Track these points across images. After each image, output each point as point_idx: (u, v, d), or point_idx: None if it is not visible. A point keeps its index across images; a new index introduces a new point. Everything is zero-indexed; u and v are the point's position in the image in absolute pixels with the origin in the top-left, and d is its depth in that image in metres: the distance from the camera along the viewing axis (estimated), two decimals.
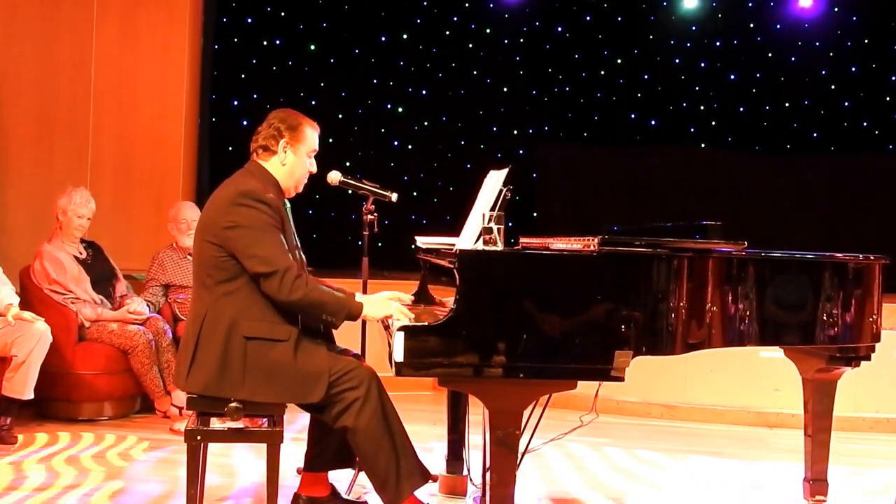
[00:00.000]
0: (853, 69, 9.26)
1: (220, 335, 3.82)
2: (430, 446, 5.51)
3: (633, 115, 9.48)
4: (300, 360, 3.83)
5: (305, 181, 4.12)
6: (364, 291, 4.51)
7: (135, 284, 6.74)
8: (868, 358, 4.35)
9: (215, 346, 3.82)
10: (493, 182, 4.07)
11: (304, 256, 4.11)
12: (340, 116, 9.14)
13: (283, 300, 3.79)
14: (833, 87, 9.31)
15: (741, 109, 9.42)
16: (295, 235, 4.12)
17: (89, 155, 7.77)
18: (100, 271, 6.39)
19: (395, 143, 9.36)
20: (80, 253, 6.34)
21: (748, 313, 3.92)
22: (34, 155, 7.68)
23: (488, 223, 3.80)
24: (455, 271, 3.51)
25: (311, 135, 4.09)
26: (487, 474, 3.82)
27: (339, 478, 4.41)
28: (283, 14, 9.14)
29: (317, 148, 4.10)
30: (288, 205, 4.13)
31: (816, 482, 4.49)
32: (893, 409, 6.68)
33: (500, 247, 3.76)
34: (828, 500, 4.51)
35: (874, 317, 4.26)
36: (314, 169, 4.13)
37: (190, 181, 8.05)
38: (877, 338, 4.30)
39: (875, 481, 5.25)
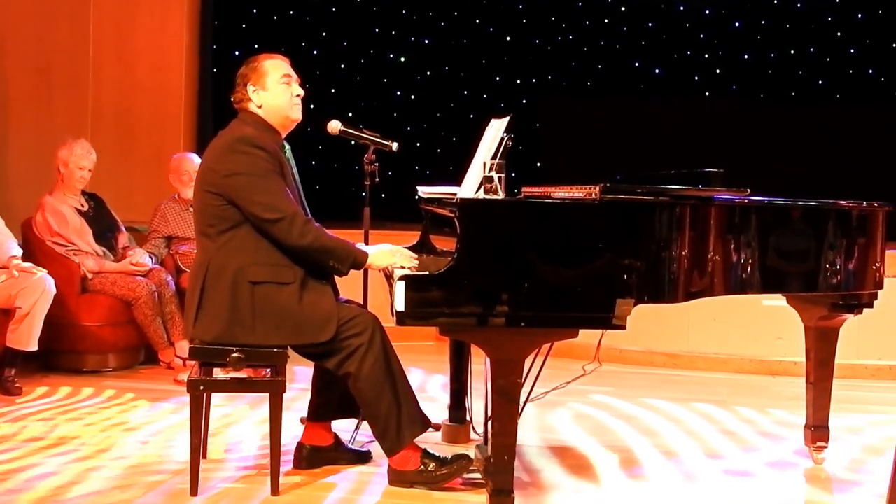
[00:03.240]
0: (859, 16, 9.15)
1: (226, 283, 3.84)
2: (433, 395, 5.53)
3: (636, 64, 9.39)
4: (308, 301, 3.86)
5: (297, 106, 4.06)
6: (366, 242, 4.52)
7: (137, 236, 6.73)
8: (870, 305, 4.34)
9: (222, 294, 3.84)
10: (495, 131, 4.04)
11: (305, 203, 4.09)
12: (342, 66, 9.07)
13: (292, 245, 3.81)
14: (839, 33, 9.19)
15: (746, 57, 9.31)
16: (298, 182, 4.10)
17: (89, 106, 7.73)
18: (102, 223, 6.39)
19: (398, 92, 9.29)
20: (82, 205, 6.33)
21: (750, 261, 3.91)
22: (34, 107, 7.65)
23: (489, 172, 3.78)
24: (456, 220, 3.50)
25: (272, 63, 4.03)
26: (489, 423, 3.84)
27: (343, 427, 4.43)
28: None
29: (288, 73, 4.04)
30: (289, 150, 4.12)
31: (818, 429, 4.50)
32: (895, 357, 6.69)
33: (501, 195, 3.75)
34: (828, 447, 4.53)
35: (877, 264, 4.24)
36: (299, 91, 4.06)
37: (191, 132, 8.02)
38: (879, 285, 4.28)
39: (876, 428, 5.27)
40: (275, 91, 4.01)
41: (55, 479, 4.00)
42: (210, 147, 4.01)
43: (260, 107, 4.01)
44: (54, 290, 5.62)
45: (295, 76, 4.08)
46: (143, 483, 3.97)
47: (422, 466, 3.94)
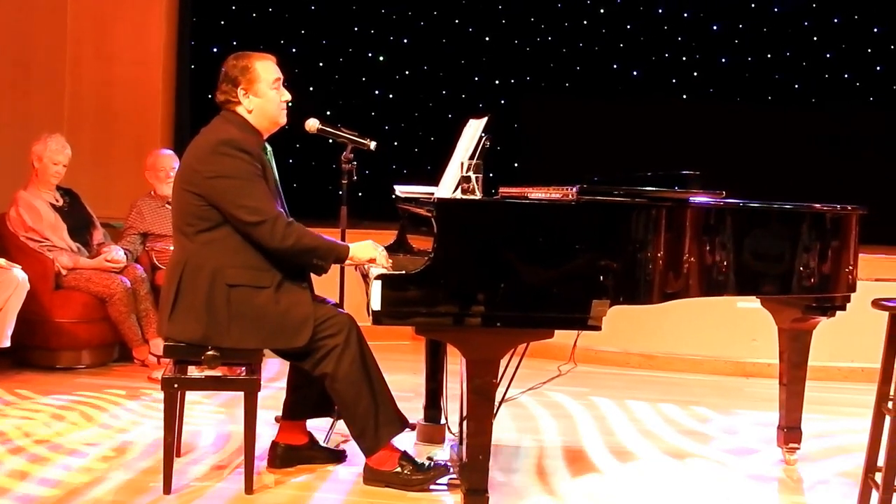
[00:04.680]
0: (836, 20, 9.23)
1: (203, 283, 3.83)
2: (408, 395, 5.53)
3: (615, 66, 9.43)
4: (284, 306, 3.85)
5: (284, 111, 4.04)
6: (343, 240, 4.51)
7: (113, 233, 6.69)
8: (843, 308, 4.37)
9: (198, 294, 3.83)
10: (472, 131, 4.05)
11: (285, 204, 4.08)
12: (321, 65, 9.07)
13: (275, 247, 3.80)
14: (815, 38, 9.28)
15: (723, 60, 9.38)
16: (277, 183, 4.10)
17: (66, 102, 7.69)
18: (77, 219, 6.35)
19: (377, 91, 9.29)
20: (57, 200, 6.29)
21: (726, 263, 3.94)
22: (11, 101, 7.61)
23: (467, 172, 3.79)
24: (433, 220, 3.51)
25: (264, 67, 3.99)
26: (465, 423, 3.85)
27: (318, 426, 4.43)
28: None
29: (279, 76, 4.01)
30: (269, 150, 4.11)
31: (790, 430, 4.53)
32: (867, 359, 6.71)
33: (478, 196, 3.75)
34: (801, 448, 4.56)
35: (850, 267, 4.28)
36: (287, 97, 4.04)
37: (169, 128, 7.99)
38: (852, 288, 4.31)
39: (848, 430, 5.30)
40: (265, 98, 3.97)
41: (26, 477, 3.98)
42: (192, 145, 3.97)
43: (250, 111, 3.98)
44: (28, 286, 5.57)
45: (282, 78, 4.05)
46: (115, 481, 3.95)
47: (398, 468, 3.94)
